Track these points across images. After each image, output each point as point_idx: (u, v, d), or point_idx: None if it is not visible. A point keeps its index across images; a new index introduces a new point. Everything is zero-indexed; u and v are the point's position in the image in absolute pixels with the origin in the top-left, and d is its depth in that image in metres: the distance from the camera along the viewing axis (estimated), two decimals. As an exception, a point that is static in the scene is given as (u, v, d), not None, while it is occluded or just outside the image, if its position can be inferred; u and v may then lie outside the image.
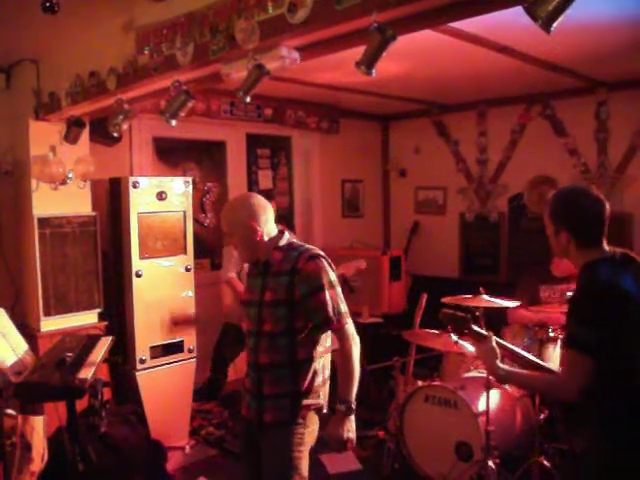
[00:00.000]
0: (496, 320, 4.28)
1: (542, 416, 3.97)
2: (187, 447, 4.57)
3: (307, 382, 2.52)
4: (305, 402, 2.52)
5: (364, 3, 2.06)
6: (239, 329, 2.78)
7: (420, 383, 4.24)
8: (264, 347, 2.54)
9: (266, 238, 2.58)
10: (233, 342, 4.76)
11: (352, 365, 2.46)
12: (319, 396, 2.58)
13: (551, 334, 3.95)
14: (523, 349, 3.89)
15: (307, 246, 2.60)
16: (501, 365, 2.25)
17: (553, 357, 3.92)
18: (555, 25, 1.73)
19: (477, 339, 2.37)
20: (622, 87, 5.26)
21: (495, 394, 3.95)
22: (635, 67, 4.71)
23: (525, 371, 2.33)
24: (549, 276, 4.69)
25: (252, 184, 6.13)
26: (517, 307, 4.21)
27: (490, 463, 3.62)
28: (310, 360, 2.53)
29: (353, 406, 2.43)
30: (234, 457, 4.38)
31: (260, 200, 2.64)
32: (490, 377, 3.77)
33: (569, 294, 4.16)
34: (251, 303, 2.62)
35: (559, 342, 3.96)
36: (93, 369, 3.05)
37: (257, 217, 2.57)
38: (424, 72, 4.78)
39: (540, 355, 3.87)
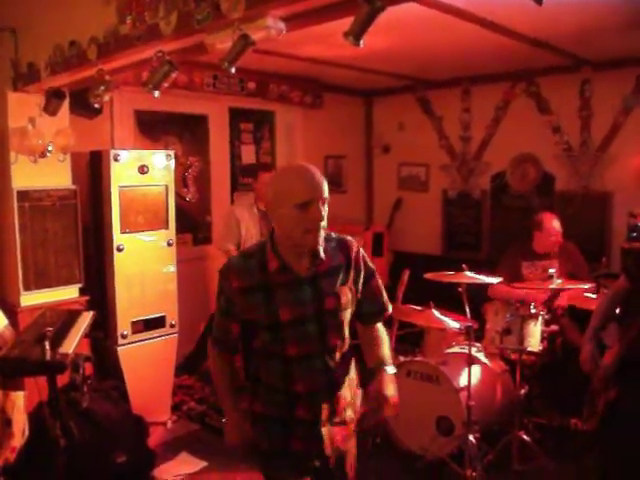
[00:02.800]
0: (478, 297, 4.30)
1: (522, 391, 4.02)
2: (169, 422, 4.57)
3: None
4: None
5: (353, -28, 2.02)
6: None
7: (402, 358, 4.28)
8: (335, 367, 2.19)
9: None
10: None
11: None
12: None
13: (532, 310, 3.97)
14: (505, 326, 3.98)
15: (333, 233, 2.26)
16: None
17: (535, 333, 3.94)
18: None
19: None
20: (607, 66, 5.25)
21: (476, 369, 3.99)
22: (620, 46, 4.70)
23: None
24: (531, 253, 4.71)
25: (235, 159, 6.08)
26: (499, 283, 4.23)
27: (471, 437, 3.66)
28: None
29: None
30: (216, 432, 4.39)
31: None
32: (471, 352, 3.81)
33: (551, 271, 4.25)
34: (303, 320, 2.11)
35: (540, 319, 3.98)
36: (74, 344, 3.02)
37: None
38: (409, 47, 4.74)
39: (522, 331, 3.90)
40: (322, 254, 2.10)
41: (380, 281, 2.30)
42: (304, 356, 2.12)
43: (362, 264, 2.22)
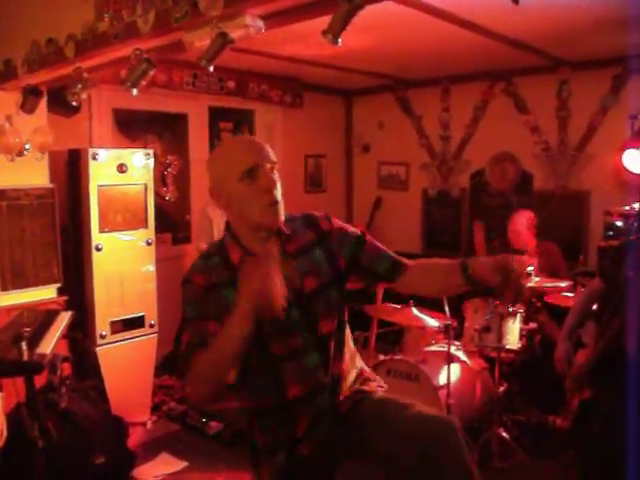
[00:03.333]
0: (456, 296, 4.31)
1: (501, 389, 4.05)
2: (149, 422, 4.55)
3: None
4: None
5: (331, -30, 2.02)
6: None
7: (382, 357, 4.28)
8: (335, 352, 1.97)
9: None
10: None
11: None
12: None
13: (511, 309, 4.00)
14: (484, 324, 4.01)
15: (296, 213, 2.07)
16: None
17: (513, 331, 3.97)
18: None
19: None
20: (584, 67, 5.31)
21: (455, 367, 4.01)
22: (597, 47, 4.75)
23: None
24: (509, 250, 4.76)
25: (214, 158, 6.05)
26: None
27: (450, 435, 3.67)
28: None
29: None
30: (196, 432, 4.38)
31: None
32: (451, 350, 3.83)
33: (529, 268, 4.27)
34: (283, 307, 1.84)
35: (518, 316, 4.02)
36: (52, 344, 2.99)
37: None
38: (388, 46, 4.76)
39: (500, 329, 3.92)
40: (286, 230, 1.93)
41: (377, 242, 2.09)
42: (293, 353, 1.89)
43: (339, 229, 2.03)
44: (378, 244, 2.08)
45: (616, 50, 4.74)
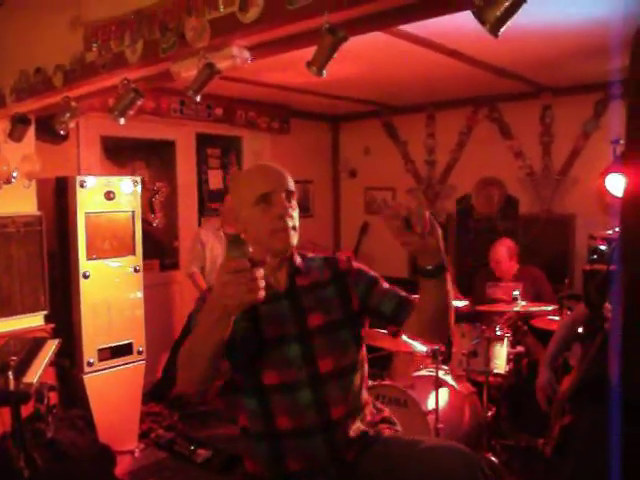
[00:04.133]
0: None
1: (490, 413, 4.06)
2: (137, 451, 4.50)
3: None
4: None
5: (316, 4, 2.06)
6: None
7: (370, 383, 4.28)
8: (333, 394, 1.87)
9: None
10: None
11: None
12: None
13: (498, 333, 4.02)
14: (471, 348, 4.03)
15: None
16: None
17: (501, 355, 3.99)
18: (503, 30, 1.77)
19: None
20: (566, 92, 5.40)
21: (444, 392, 4.02)
22: (578, 73, 4.85)
23: None
24: (494, 275, 4.81)
25: (202, 184, 6.08)
26: (465, 306, 4.30)
27: (439, 460, 3.67)
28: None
29: None
30: (184, 460, 4.34)
31: None
32: (439, 375, 3.84)
33: (515, 293, 4.31)
34: (283, 340, 1.86)
35: (506, 340, 4.04)
36: (39, 373, 2.99)
37: None
38: (375, 74, 4.82)
39: (488, 353, 3.94)
40: (298, 259, 1.95)
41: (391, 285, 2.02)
42: (285, 386, 1.84)
43: (357, 270, 2.00)
44: (390, 286, 2.01)
45: (597, 76, 4.82)
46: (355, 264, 2.02)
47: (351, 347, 1.94)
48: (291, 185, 1.89)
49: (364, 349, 2.02)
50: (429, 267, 1.74)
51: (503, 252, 4.82)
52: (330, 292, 1.94)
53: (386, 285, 2.00)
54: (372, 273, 2.03)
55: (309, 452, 1.86)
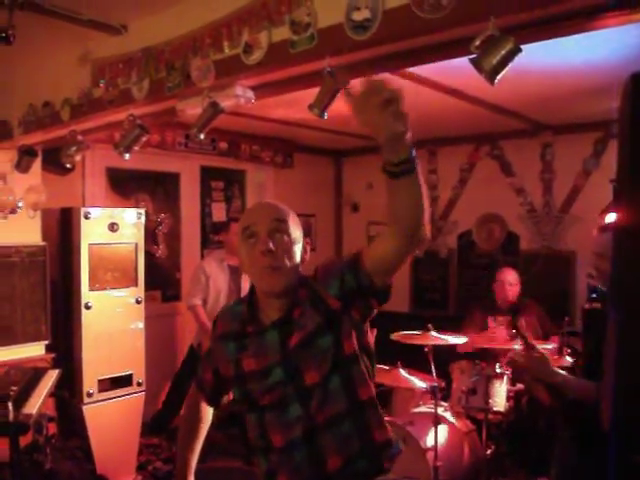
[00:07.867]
0: (444, 355, 4.34)
1: (489, 451, 4.04)
2: (134, 483, 4.49)
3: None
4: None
5: (317, 48, 2.12)
6: None
7: (370, 418, 4.26)
8: (318, 403, 1.74)
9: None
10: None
11: None
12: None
13: (498, 370, 4.02)
14: (470, 385, 4.02)
15: None
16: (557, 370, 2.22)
17: (500, 392, 3.99)
18: (499, 77, 1.81)
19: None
20: (566, 130, 5.46)
21: (443, 429, 4.00)
22: (578, 112, 4.91)
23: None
24: (494, 307, 4.82)
25: (205, 216, 6.13)
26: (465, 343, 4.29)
27: (437, 498, 3.65)
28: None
29: None
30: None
31: None
32: (438, 412, 3.83)
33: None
34: (266, 370, 1.78)
35: (505, 378, 4.03)
36: (38, 404, 3.00)
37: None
38: (377, 111, 4.87)
39: (487, 391, 3.94)
40: (296, 299, 1.78)
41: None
42: (275, 404, 1.77)
43: (326, 271, 1.83)
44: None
45: (597, 115, 4.89)
46: (319, 269, 1.85)
47: (331, 350, 1.75)
48: (281, 214, 1.78)
49: (354, 345, 1.82)
50: (402, 157, 1.53)
51: (514, 275, 4.82)
52: (305, 304, 1.78)
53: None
54: (338, 261, 1.87)
55: (297, 473, 1.77)
